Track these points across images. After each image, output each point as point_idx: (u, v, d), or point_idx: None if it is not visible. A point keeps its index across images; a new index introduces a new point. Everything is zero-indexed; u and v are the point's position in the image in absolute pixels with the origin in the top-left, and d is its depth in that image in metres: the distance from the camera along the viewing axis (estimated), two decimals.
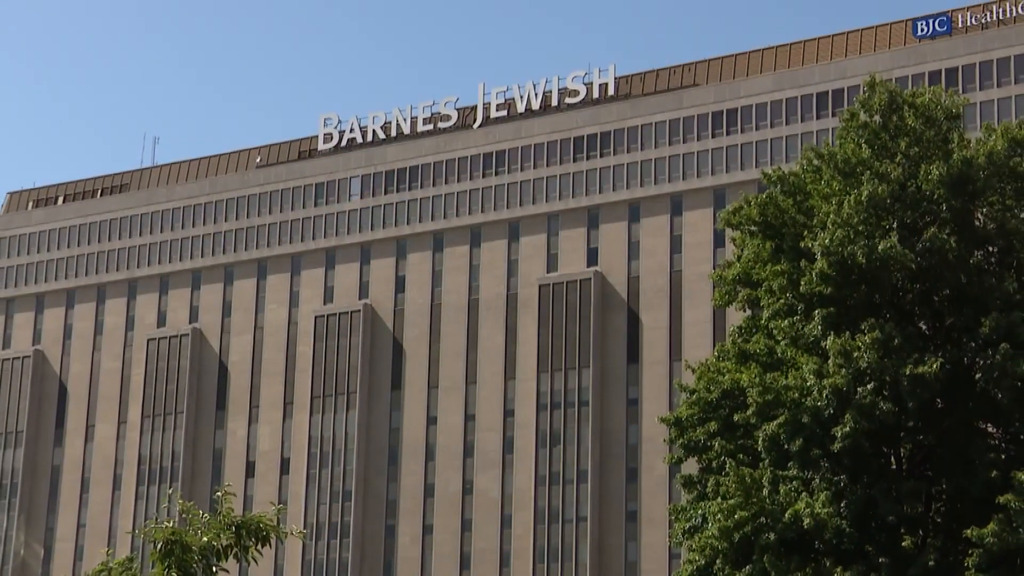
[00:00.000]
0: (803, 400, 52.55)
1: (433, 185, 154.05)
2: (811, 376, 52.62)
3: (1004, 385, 52.31)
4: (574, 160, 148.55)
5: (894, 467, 54.60)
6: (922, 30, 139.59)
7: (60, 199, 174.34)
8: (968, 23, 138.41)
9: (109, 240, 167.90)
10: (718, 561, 53.10)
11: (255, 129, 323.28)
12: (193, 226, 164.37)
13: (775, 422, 52.84)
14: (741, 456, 55.28)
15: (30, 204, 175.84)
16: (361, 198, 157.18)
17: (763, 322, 57.27)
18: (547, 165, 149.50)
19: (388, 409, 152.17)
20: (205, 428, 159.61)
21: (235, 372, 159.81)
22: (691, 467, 58.71)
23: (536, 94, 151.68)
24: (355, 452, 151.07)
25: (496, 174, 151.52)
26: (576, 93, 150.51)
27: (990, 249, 56.07)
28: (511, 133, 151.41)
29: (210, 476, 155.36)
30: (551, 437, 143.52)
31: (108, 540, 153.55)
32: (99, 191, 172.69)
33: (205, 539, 30.22)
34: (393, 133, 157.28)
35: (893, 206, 54.70)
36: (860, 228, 53.92)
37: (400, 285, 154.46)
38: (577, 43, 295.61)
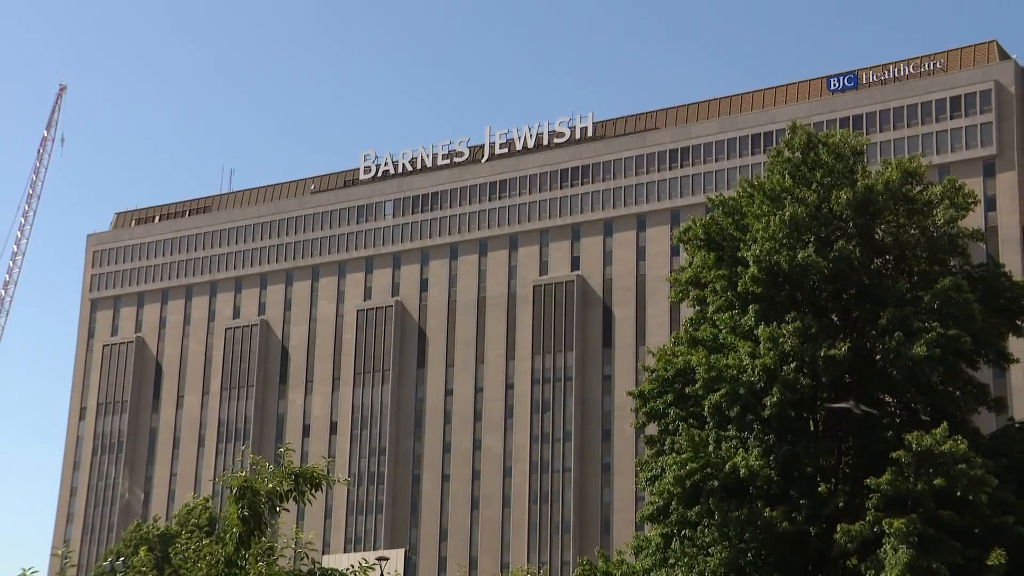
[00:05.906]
0: (740, 376, 52.46)
1: (450, 207, 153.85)
2: (746, 357, 52.54)
3: (898, 365, 52.21)
4: (560, 187, 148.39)
5: (812, 429, 54.56)
6: (834, 85, 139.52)
7: (156, 218, 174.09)
8: (871, 80, 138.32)
9: (195, 250, 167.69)
10: (673, 503, 53.01)
11: (310, 162, 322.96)
12: (261, 239, 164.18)
13: (718, 393, 52.79)
14: (691, 420, 55.16)
15: (132, 222, 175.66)
16: (393, 217, 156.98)
17: (709, 315, 57.22)
18: (539, 191, 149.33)
19: (414, 383, 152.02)
20: (270, 399, 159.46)
21: (294, 354, 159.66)
22: (652, 429, 58.65)
23: (531, 135, 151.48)
24: (388, 417, 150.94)
25: (499, 198, 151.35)
26: (562, 134, 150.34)
27: (887, 257, 55.96)
28: (511, 166, 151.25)
29: (274, 436, 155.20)
30: (543, 405, 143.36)
31: (194, 486, 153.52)
32: (187, 211, 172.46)
33: (270, 485, 30.41)
34: (419, 166, 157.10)
35: (810, 224, 54.62)
36: (784, 241, 53.85)
37: (424, 286, 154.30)
38: (563, 95, 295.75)
